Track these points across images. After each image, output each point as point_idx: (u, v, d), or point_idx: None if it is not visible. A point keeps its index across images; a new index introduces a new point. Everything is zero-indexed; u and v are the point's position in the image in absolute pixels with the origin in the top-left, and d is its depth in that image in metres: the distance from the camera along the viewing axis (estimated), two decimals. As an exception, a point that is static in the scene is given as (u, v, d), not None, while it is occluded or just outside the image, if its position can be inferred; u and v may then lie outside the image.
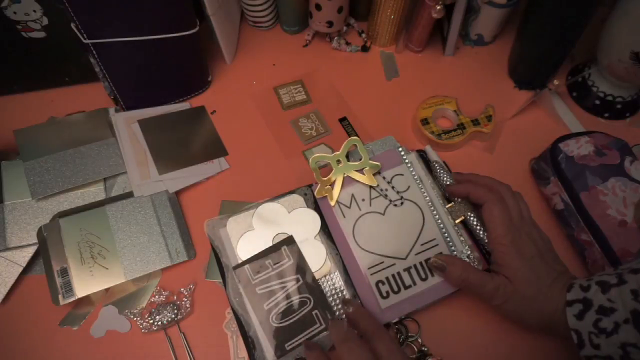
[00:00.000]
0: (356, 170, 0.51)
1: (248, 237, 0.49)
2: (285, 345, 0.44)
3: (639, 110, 0.61)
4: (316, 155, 0.51)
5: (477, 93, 0.63)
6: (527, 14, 0.59)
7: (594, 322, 0.38)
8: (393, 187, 0.51)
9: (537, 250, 0.44)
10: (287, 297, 0.46)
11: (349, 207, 0.50)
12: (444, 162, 0.53)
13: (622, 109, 0.61)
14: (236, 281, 0.47)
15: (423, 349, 0.46)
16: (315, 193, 0.51)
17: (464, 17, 0.61)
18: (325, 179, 0.51)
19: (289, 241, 0.49)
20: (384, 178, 0.52)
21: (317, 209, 0.51)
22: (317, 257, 0.48)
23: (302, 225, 0.50)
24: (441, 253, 0.48)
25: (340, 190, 0.51)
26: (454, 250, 0.48)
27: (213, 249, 0.49)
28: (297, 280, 0.47)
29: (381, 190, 0.51)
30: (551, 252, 0.45)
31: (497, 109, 0.59)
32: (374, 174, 0.51)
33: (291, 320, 0.45)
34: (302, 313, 0.46)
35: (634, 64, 0.53)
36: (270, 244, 0.49)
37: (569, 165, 0.50)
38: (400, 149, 0.53)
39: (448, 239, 0.49)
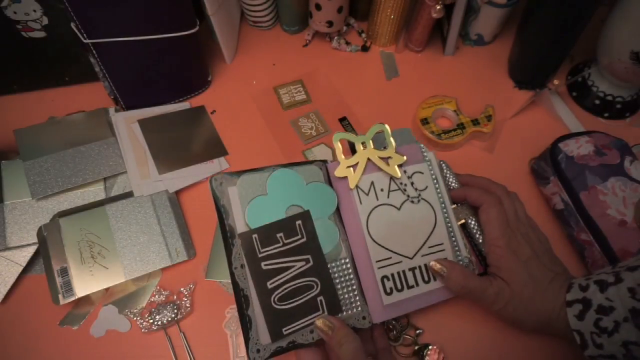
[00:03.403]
0: (380, 158, 0.48)
1: (259, 202, 0.44)
2: (283, 329, 0.41)
3: (639, 110, 0.61)
4: (340, 132, 0.47)
5: (477, 93, 0.63)
6: (527, 14, 0.59)
7: (594, 321, 0.38)
8: (412, 184, 0.48)
9: (533, 251, 0.43)
10: (294, 278, 0.43)
11: (367, 195, 0.47)
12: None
13: (622, 109, 0.61)
14: (240, 249, 0.42)
15: (418, 331, 0.47)
16: (335, 172, 0.47)
17: (463, 17, 0.61)
18: (348, 159, 0.47)
19: (305, 216, 0.44)
20: (404, 172, 0.48)
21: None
22: (329, 239, 0.44)
23: (318, 201, 0.45)
24: (446, 258, 0.46)
25: (362, 175, 0.47)
26: (458, 256, 0.47)
27: (217, 209, 0.44)
28: (307, 261, 0.43)
29: (401, 184, 0.48)
30: (548, 252, 0.45)
31: (497, 109, 0.59)
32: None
33: (294, 304, 0.42)
34: (307, 298, 0.42)
35: (634, 64, 0.53)
36: (283, 215, 0.44)
37: (568, 165, 0.50)
38: (422, 146, 0.50)
39: (455, 243, 0.47)
